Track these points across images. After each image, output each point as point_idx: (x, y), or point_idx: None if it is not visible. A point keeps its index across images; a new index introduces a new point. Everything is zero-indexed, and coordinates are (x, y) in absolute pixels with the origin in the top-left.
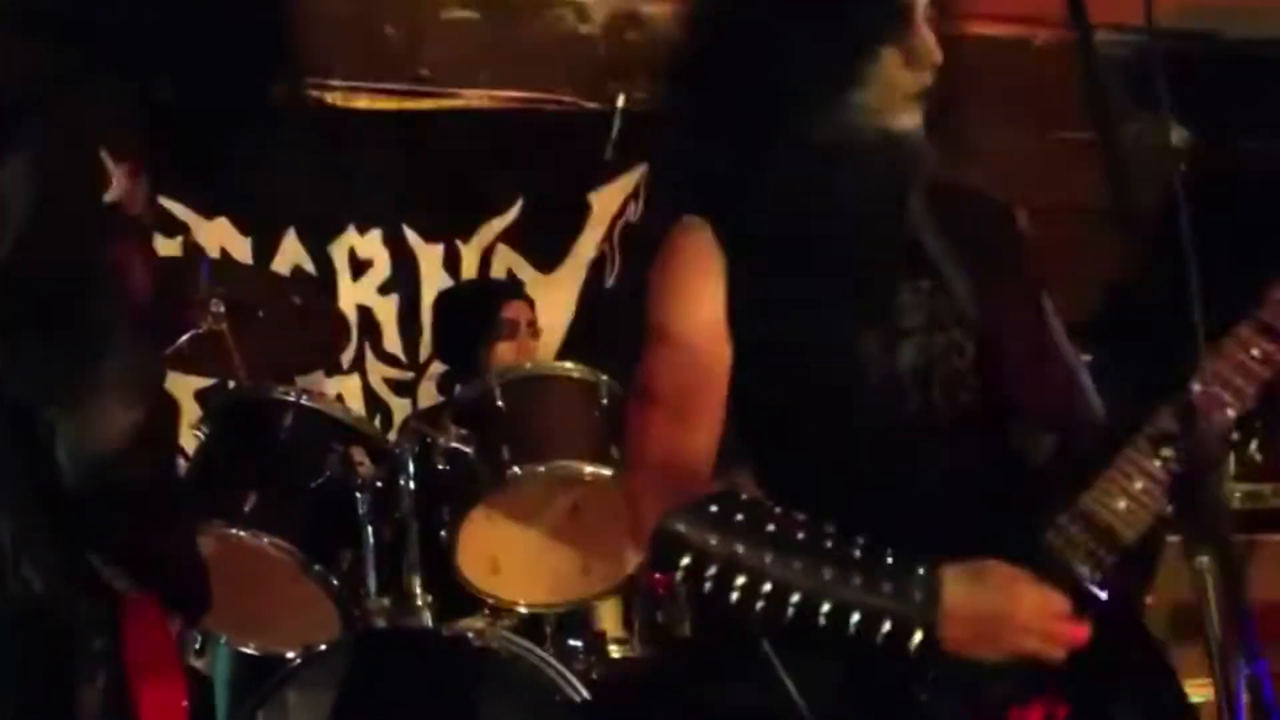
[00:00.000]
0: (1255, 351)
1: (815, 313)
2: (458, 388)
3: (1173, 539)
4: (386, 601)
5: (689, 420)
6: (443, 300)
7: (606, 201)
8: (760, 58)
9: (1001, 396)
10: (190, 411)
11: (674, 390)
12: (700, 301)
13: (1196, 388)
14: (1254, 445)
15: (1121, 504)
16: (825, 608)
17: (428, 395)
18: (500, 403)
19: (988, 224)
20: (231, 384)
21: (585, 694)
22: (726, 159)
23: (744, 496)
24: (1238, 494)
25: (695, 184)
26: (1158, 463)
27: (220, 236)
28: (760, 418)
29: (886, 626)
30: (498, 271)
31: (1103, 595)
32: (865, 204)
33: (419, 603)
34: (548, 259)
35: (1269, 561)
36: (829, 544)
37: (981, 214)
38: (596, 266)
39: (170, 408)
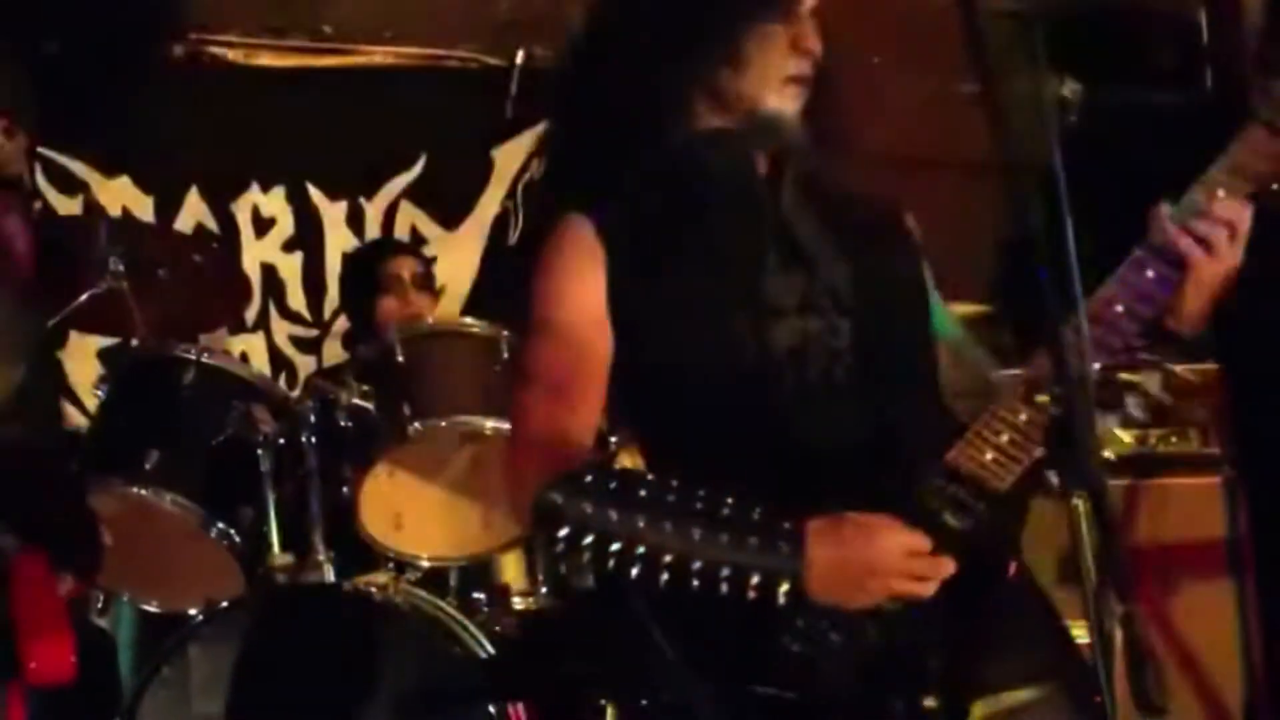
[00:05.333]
0: (1119, 308)
1: (689, 297)
2: (360, 345)
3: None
4: (289, 558)
5: (569, 402)
6: (344, 261)
7: (509, 158)
8: (638, 38)
9: (877, 375)
10: (93, 371)
11: (555, 375)
12: (581, 293)
13: (1068, 336)
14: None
15: (989, 456)
16: (696, 566)
17: (333, 352)
18: (401, 359)
19: (873, 220)
20: (134, 343)
21: (489, 646)
22: (602, 150)
23: (617, 466)
24: (1126, 439)
25: (574, 179)
26: (1025, 415)
27: (122, 195)
28: (643, 399)
29: (755, 580)
30: (401, 228)
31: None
32: (736, 189)
33: (321, 558)
34: (451, 216)
35: (1154, 505)
36: (699, 505)
37: (867, 211)
38: (500, 223)
39: (54, 366)
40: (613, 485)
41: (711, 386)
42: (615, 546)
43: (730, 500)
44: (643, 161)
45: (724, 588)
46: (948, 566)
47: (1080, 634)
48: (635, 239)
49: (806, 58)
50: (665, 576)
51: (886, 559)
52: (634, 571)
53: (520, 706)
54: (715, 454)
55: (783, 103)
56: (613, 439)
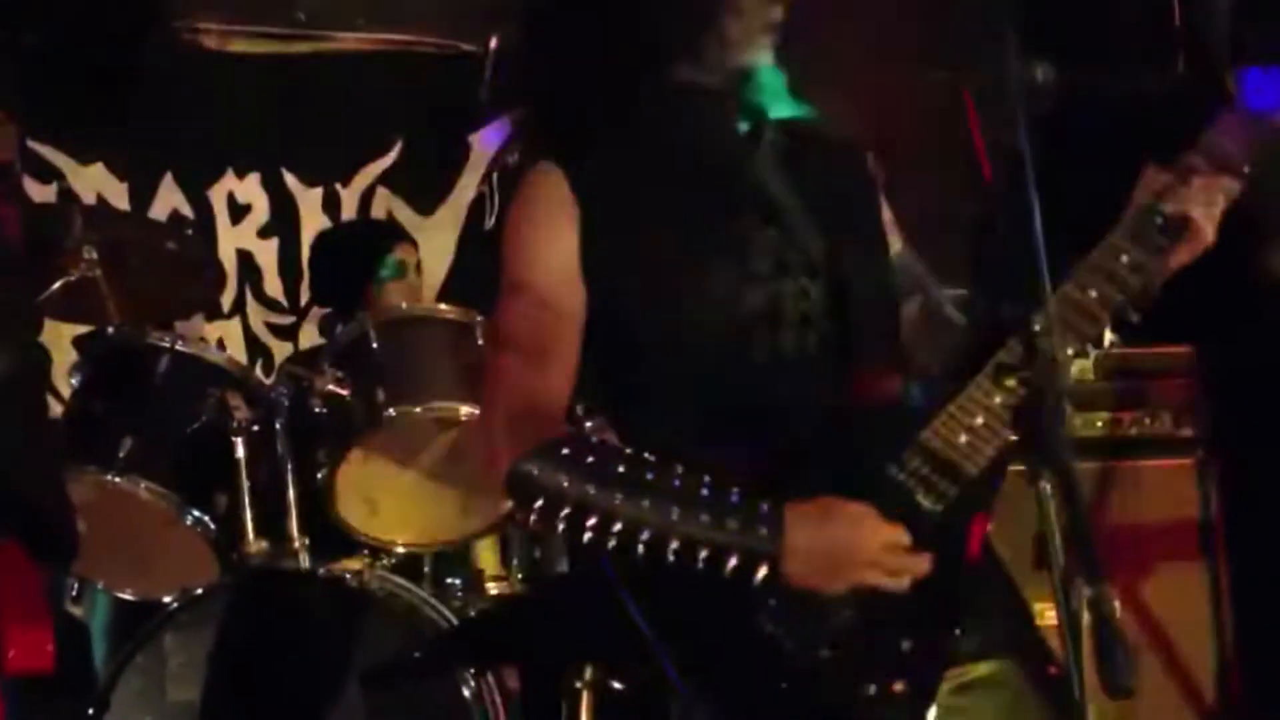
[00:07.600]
0: (1092, 293)
1: (664, 257)
2: (338, 329)
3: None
4: (264, 544)
5: (542, 366)
6: (323, 240)
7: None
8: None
9: (848, 340)
10: (67, 358)
11: (527, 338)
12: (553, 250)
13: (1038, 322)
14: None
15: (963, 439)
16: (674, 545)
17: (309, 338)
18: (376, 345)
19: (837, 168)
20: (109, 330)
21: None
22: (580, 104)
23: (595, 440)
24: (1098, 423)
25: (548, 130)
26: (998, 397)
27: (96, 182)
28: (615, 363)
29: (733, 562)
30: (377, 214)
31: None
32: (715, 149)
33: (296, 545)
34: (427, 201)
35: (1126, 488)
36: (677, 483)
37: (830, 158)
38: (476, 208)
39: (41, 355)
40: (590, 460)
41: (684, 349)
42: (592, 520)
43: (708, 479)
44: (621, 114)
45: (700, 567)
46: (923, 564)
47: (1051, 616)
48: (611, 194)
49: (781, 2)
50: (641, 552)
51: (865, 550)
52: (610, 545)
53: (494, 683)
54: (685, 417)
55: (760, 54)
56: (588, 423)
